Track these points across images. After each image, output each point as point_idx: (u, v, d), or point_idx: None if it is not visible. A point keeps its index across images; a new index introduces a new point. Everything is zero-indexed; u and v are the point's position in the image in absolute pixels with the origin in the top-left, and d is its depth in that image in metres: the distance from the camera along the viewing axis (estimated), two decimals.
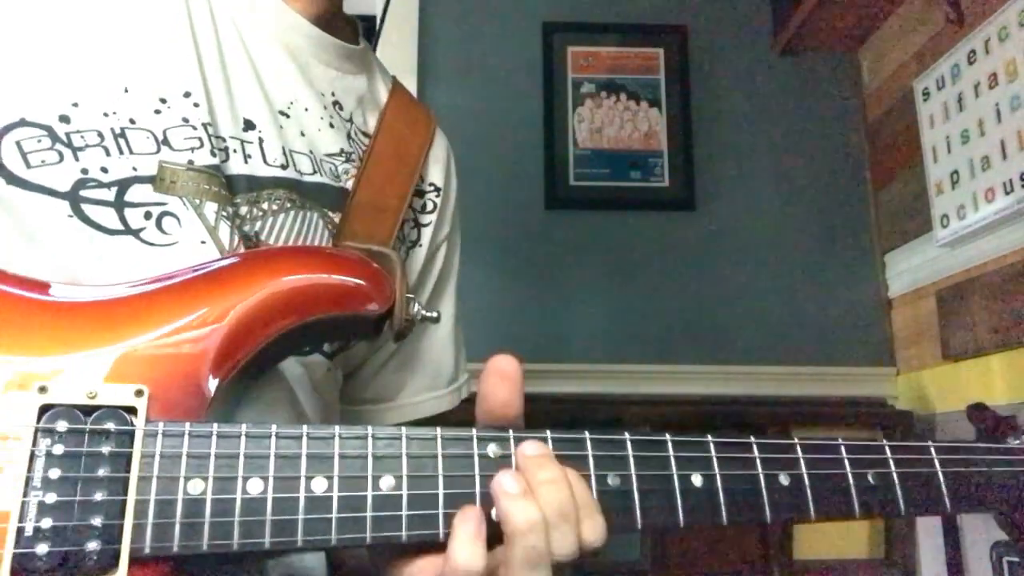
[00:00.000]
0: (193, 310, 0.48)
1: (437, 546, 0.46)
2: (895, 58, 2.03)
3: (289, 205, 0.63)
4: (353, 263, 0.56)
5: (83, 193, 0.54)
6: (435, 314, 0.58)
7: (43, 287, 0.48)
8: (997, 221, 1.58)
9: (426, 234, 0.77)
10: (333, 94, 0.71)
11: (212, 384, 0.47)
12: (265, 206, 0.62)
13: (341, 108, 0.71)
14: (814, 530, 1.87)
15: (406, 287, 0.56)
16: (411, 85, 2.06)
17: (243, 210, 0.61)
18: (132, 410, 0.43)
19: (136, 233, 0.55)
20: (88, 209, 0.54)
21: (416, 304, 0.56)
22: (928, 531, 1.81)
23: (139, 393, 0.44)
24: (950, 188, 1.73)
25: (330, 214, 0.66)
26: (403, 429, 0.46)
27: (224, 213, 0.58)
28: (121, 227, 0.55)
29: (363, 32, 0.78)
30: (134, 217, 0.55)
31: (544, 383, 1.88)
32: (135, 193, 0.56)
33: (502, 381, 0.49)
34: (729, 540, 1.83)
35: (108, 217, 0.55)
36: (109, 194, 0.55)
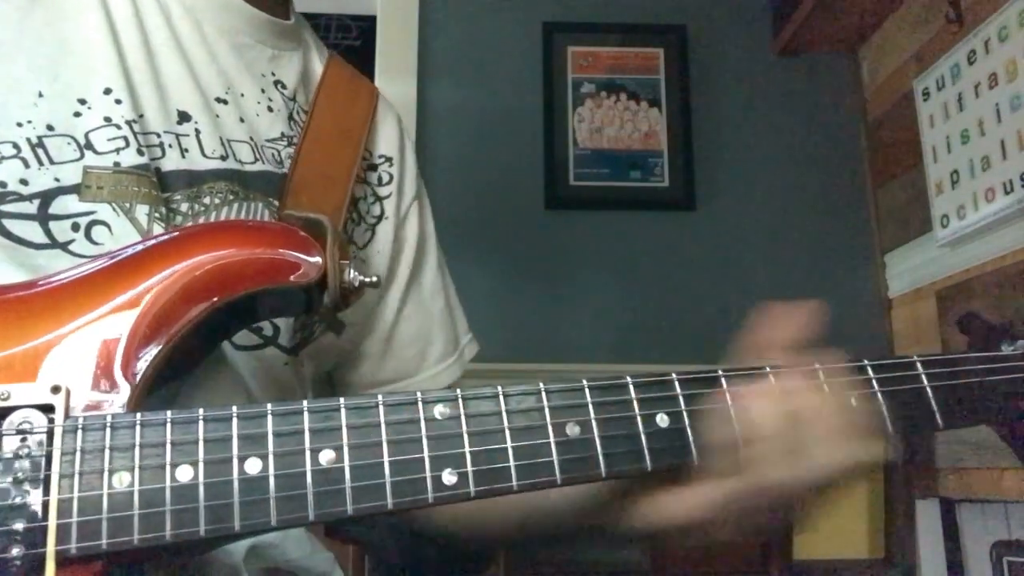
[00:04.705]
0: (107, 299, 0.46)
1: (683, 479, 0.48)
2: (895, 58, 2.02)
3: (232, 197, 0.61)
4: (276, 234, 0.54)
5: (3, 208, 0.52)
6: (374, 279, 0.55)
7: None
8: (997, 221, 1.58)
9: (389, 206, 0.75)
10: (273, 74, 0.69)
11: (137, 372, 0.45)
12: (207, 200, 0.60)
13: (284, 87, 0.69)
14: (814, 530, 1.87)
15: (341, 253, 0.53)
16: (411, 85, 2.06)
17: (184, 206, 0.59)
18: (50, 408, 0.42)
19: (64, 246, 0.53)
20: (10, 224, 0.52)
21: (351, 271, 0.53)
22: (928, 531, 1.81)
23: (56, 390, 0.42)
24: (950, 188, 1.73)
25: (275, 202, 0.64)
26: (341, 399, 0.44)
27: (157, 214, 0.56)
28: (47, 240, 0.53)
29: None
30: (60, 230, 0.54)
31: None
32: (59, 205, 0.54)
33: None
34: (729, 540, 1.82)
35: (32, 231, 0.53)
36: (31, 207, 0.53)
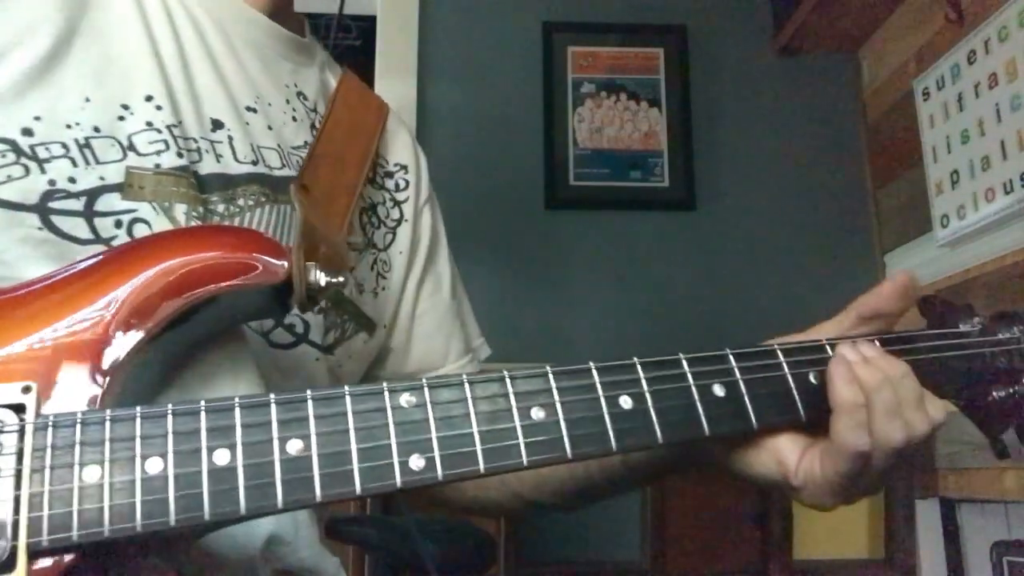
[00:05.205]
0: (81, 303, 0.48)
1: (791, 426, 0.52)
2: (895, 58, 2.02)
3: (264, 199, 0.64)
4: (242, 237, 0.55)
5: (52, 204, 0.55)
6: (341, 279, 0.56)
7: None
8: (997, 221, 1.58)
9: (407, 209, 0.81)
10: (296, 85, 0.73)
11: (109, 372, 0.46)
12: (241, 202, 0.63)
13: (306, 98, 0.74)
14: (814, 530, 1.87)
15: (307, 255, 0.54)
16: (411, 85, 2.07)
17: (220, 208, 0.62)
18: (21, 407, 0.43)
19: (107, 242, 0.56)
20: (58, 220, 0.55)
21: (316, 271, 0.54)
22: (928, 531, 1.81)
23: (26, 389, 0.43)
24: (950, 188, 1.73)
25: None
26: (308, 391, 0.45)
27: (195, 213, 0.59)
28: (92, 236, 0.55)
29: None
30: (104, 226, 0.56)
31: None
32: (104, 203, 0.56)
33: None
34: (729, 540, 1.83)
35: (79, 227, 0.55)
36: (78, 204, 0.55)
